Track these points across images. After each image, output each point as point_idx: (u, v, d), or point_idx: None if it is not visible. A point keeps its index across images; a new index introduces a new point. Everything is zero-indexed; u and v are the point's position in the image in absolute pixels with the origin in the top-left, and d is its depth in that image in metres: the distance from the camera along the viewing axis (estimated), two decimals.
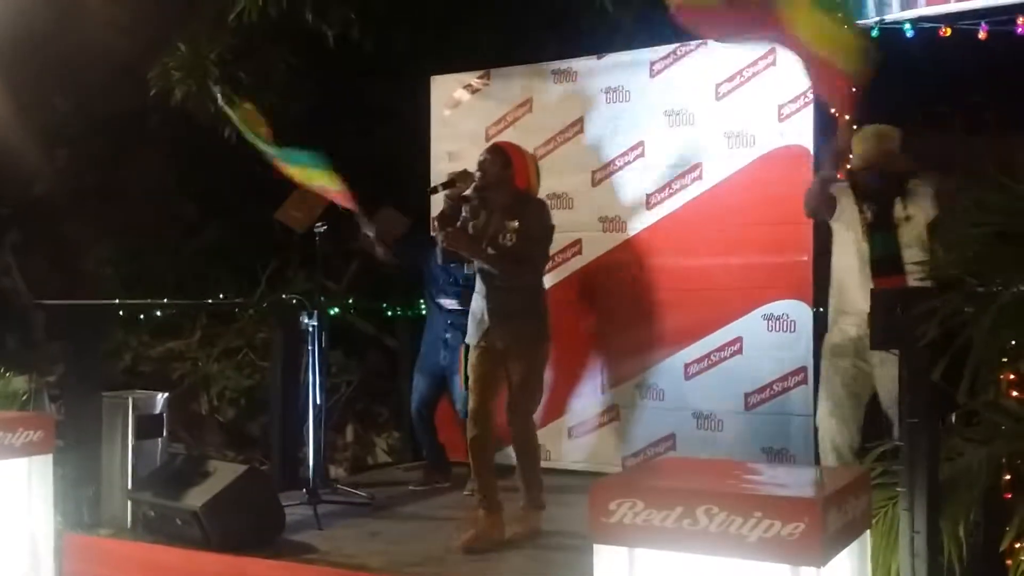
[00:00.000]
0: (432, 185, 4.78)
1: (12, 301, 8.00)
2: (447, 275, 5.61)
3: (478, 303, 4.64)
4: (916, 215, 4.43)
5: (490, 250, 4.55)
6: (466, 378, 5.18)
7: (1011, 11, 5.01)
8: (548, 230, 4.66)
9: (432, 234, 5.39)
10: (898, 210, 4.49)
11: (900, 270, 4.34)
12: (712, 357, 5.73)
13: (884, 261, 4.45)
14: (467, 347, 5.21)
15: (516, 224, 4.53)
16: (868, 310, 3.99)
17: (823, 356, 4.73)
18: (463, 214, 4.71)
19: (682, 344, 5.81)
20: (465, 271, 5.11)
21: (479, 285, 4.65)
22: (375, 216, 5.85)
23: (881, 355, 4.20)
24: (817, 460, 5.14)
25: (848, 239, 4.60)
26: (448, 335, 5.65)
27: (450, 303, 5.65)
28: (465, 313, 4.96)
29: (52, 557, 4.13)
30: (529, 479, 4.66)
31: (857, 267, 4.52)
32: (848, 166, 4.68)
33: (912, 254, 4.35)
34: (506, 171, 4.59)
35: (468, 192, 4.67)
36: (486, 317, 4.58)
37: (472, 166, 5.91)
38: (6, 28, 7.09)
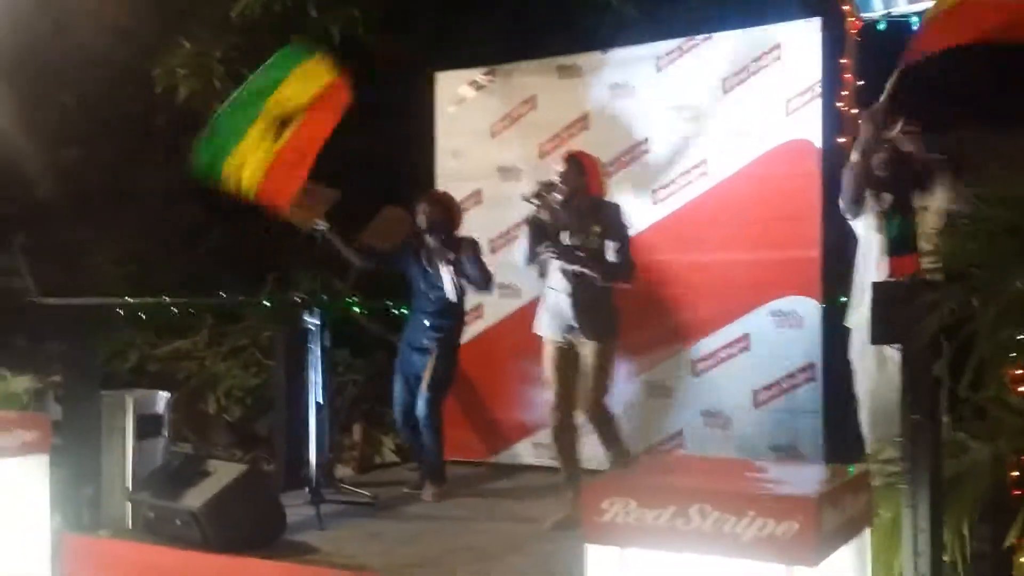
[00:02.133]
0: (527, 196, 4.88)
1: (19, 301, 7.99)
2: (427, 282, 5.55)
3: (559, 299, 4.86)
4: (931, 206, 4.38)
5: (580, 254, 4.80)
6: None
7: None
8: (627, 228, 4.95)
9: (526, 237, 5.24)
10: (915, 199, 4.45)
11: (915, 251, 4.35)
12: (720, 354, 5.68)
13: (900, 243, 4.45)
14: (440, 356, 5.42)
15: (598, 228, 4.82)
16: None
17: (854, 356, 4.67)
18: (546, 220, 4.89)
19: (690, 341, 5.76)
20: (443, 275, 5.38)
21: (559, 282, 4.86)
22: (378, 217, 5.80)
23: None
24: (827, 459, 5.11)
25: (865, 232, 4.58)
26: (426, 341, 5.55)
27: (430, 307, 5.56)
28: (443, 316, 5.39)
29: (49, 558, 4.11)
30: (618, 454, 4.92)
31: (875, 258, 4.47)
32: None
33: (925, 245, 4.30)
34: (582, 179, 4.88)
35: (558, 202, 4.84)
36: (570, 312, 4.82)
37: (476, 164, 5.96)
38: (10, 32, 7.11)
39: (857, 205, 4.64)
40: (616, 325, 4.95)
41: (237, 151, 5.03)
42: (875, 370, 4.58)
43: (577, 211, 4.87)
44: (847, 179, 4.61)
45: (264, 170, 5.06)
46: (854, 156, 4.57)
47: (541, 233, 4.85)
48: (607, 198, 5.03)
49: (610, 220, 4.86)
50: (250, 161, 5.04)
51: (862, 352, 4.67)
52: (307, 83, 5.09)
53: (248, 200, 5.14)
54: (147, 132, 7.87)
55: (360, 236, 5.62)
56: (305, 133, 5.12)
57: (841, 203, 4.68)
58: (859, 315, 4.59)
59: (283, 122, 5.11)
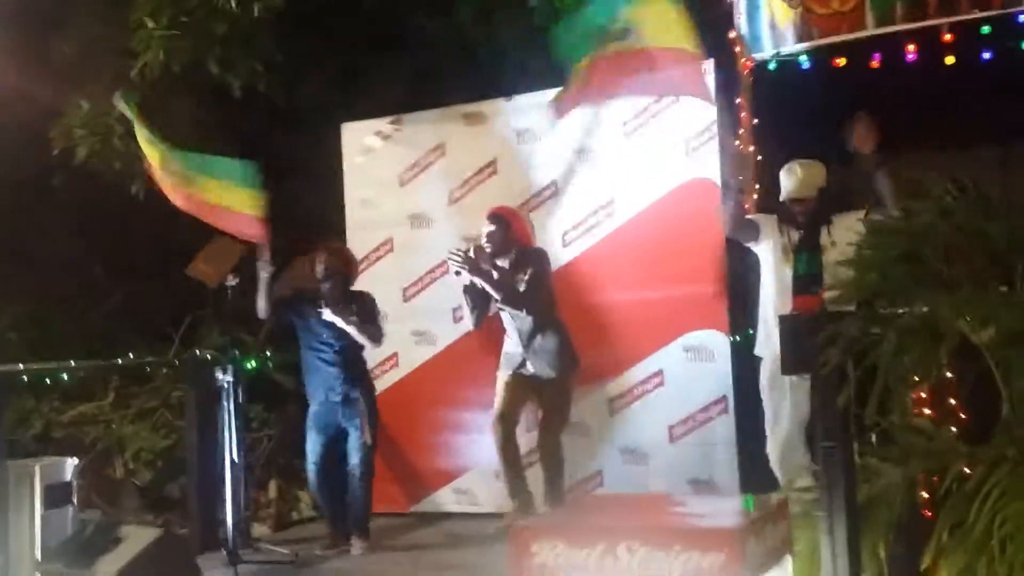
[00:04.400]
0: (455, 270, 5.24)
1: None
2: (328, 329, 5.48)
3: (512, 346, 5.40)
4: (839, 242, 4.54)
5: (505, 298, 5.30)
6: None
7: (901, 39, 5.18)
8: (548, 270, 5.45)
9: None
10: (823, 236, 4.61)
11: (820, 288, 4.43)
12: (635, 391, 5.76)
13: (806, 279, 4.56)
14: (368, 401, 5.52)
15: (524, 276, 5.28)
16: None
17: (763, 387, 4.81)
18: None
19: (606, 379, 5.82)
20: (344, 324, 5.41)
21: (511, 331, 5.39)
22: (208, 246, 5.72)
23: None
24: (743, 488, 5.20)
25: (768, 264, 4.70)
26: (344, 388, 5.48)
27: (337, 357, 5.50)
28: (354, 363, 5.53)
29: None
30: (555, 490, 5.29)
31: (782, 292, 4.60)
32: (780, 198, 4.80)
33: (829, 279, 4.44)
34: (508, 233, 5.36)
35: (485, 266, 5.28)
36: (521, 355, 5.35)
37: (386, 212, 6.01)
38: None
39: (736, 236, 4.88)
40: (570, 357, 5.39)
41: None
42: (779, 401, 4.72)
43: (507, 265, 5.34)
44: (727, 211, 4.83)
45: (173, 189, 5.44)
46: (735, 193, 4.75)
47: (478, 296, 5.31)
48: (535, 244, 5.52)
49: (531, 264, 5.32)
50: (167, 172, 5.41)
51: (770, 383, 4.82)
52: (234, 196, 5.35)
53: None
54: (44, 192, 7.67)
55: (191, 265, 5.57)
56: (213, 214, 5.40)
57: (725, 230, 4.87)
58: (767, 347, 4.74)
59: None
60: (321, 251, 5.60)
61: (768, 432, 4.88)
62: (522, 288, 5.28)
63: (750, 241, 4.88)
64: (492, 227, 5.37)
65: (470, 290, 5.34)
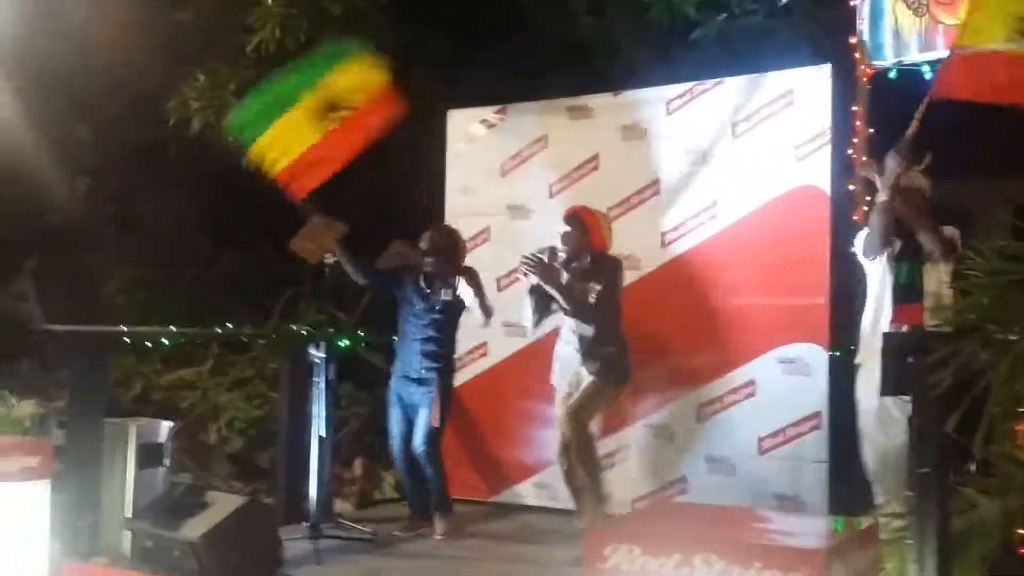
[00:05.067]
0: (524, 272, 5.09)
1: (28, 327, 8.01)
2: (424, 301, 5.52)
3: (564, 349, 5.19)
4: (937, 263, 4.36)
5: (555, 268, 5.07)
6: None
7: None
8: (620, 285, 5.21)
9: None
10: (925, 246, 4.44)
11: (920, 299, 4.30)
12: (726, 399, 5.65)
13: (907, 289, 4.39)
14: (442, 384, 5.49)
15: (597, 286, 5.04)
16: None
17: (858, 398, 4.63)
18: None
19: (696, 385, 5.73)
20: (442, 296, 5.38)
21: (570, 337, 5.16)
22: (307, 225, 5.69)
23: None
24: (831, 509, 5.05)
25: (878, 275, 4.53)
26: (422, 369, 5.50)
27: (425, 332, 5.53)
28: (439, 344, 5.46)
29: None
30: (587, 477, 5.06)
31: (884, 301, 4.44)
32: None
33: (929, 296, 4.28)
34: (586, 237, 5.11)
35: (559, 266, 5.09)
36: (576, 361, 5.11)
37: (486, 201, 5.96)
38: (29, 62, 7.18)
39: (886, 246, 4.52)
40: (622, 373, 5.16)
41: (274, 127, 5.14)
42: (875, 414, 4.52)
43: (579, 271, 5.11)
44: (876, 220, 4.45)
45: (297, 153, 5.17)
46: (882, 196, 4.40)
47: (543, 300, 5.12)
48: (610, 251, 5.23)
49: (608, 277, 5.09)
50: (284, 139, 5.14)
51: (865, 390, 4.60)
52: (359, 79, 5.17)
53: (267, 175, 5.26)
54: (159, 163, 7.91)
55: (293, 241, 5.56)
56: (346, 131, 5.19)
57: (864, 245, 4.54)
58: (866, 355, 4.55)
59: (329, 110, 5.17)
60: (429, 228, 5.63)
61: (864, 442, 4.67)
62: (592, 299, 5.05)
63: (874, 255, 4.63)
64: (568, 229, 5.13)
65: (536, 291, 5.14)
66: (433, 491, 5.56)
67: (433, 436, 5.46)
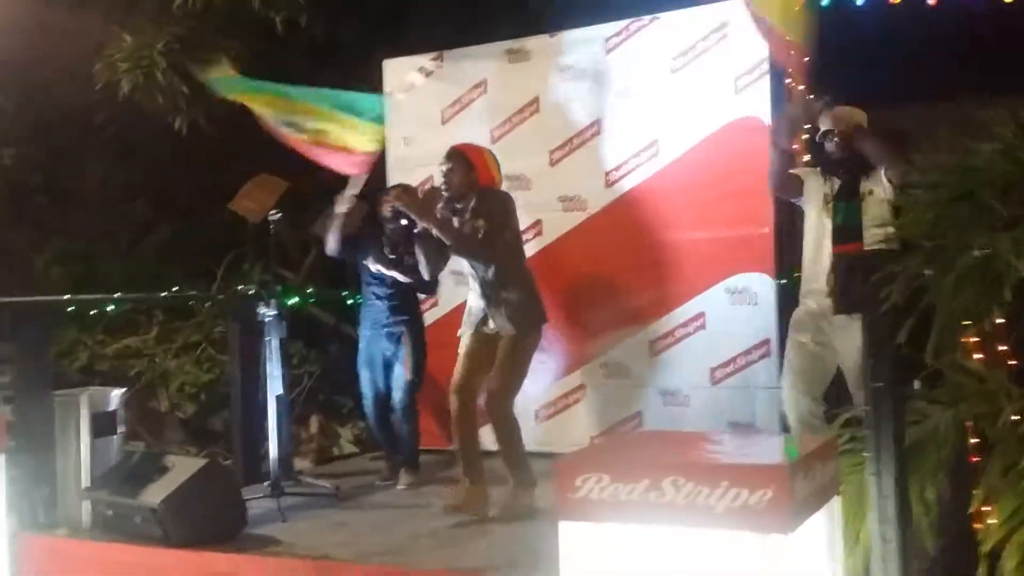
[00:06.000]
0: (389, 211, 5.06)
1: None
2: (390, 267, 5.50)
3: (474, 300, 4.83)
4: (876, 191, 4.43)
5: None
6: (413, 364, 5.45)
7: None
8: (509, 217, 4.80)
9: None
10: (862, 185, 4.49)
11: (860, 238, 4.34)
12: (677, 333, 5.71)
13: (845, 229, 4.44)
14: (413, 337, 5.46)
15: (482, 222, 4.67)
16: (825, 285, 4.05)
17: (789, 332, 4.74)
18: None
19: (646, 321, 5.78)
20: (405, 262, 5.33)
21: (472, 284, 4.82)
22: (250, 182, 5.70)
23: (842, 327, 4.21)
24: (784, 432, 5.14)
25: (812, 216, 4.62)
26: (390, 322, 5.52)
27: (390, 291, 5.52)
28: (404, 298, 5.41)
29: (7, 558, 4.01)
30: (511, 459, 4.73)
31: (815, 243, 4.52)
32: (814, 136, 4.67)
33: (870, 231, 4.35)
34: (470, 175, 4.76)
35: (441, 206, 4.77)
36: (482, 309, 4.76)
37: (427, 151, 5.88)
38: None
39: (782, 191, 4.75)
40: (536, 315, 4.82)
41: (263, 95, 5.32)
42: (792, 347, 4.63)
43: (464, 207, 4.75)
44: (773, 165, 4.67)
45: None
46: (778, 141, 4.62)
47: (432, 244, 4.80)
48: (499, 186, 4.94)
49: (492, 211, 4.72)
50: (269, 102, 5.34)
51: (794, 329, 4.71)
52: (355, 134, 5.29)
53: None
54: (88, 129, 7.70)
55: (234, 200, 5.53)
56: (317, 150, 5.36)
57: (769, 185, 4.76)
58: (804, 291, 4.64)
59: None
60: (387, 192, 5.57)
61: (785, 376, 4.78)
62: (481, 235, 4.66)
63: (793, 197, 4.75)
64: (449, 165, 4.77)
65: (422, 237, 4.81)
66: (404, 445, 5.59)
67: (410, 390, 5.48)
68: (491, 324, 4.74)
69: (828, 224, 4.50)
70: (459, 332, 4.92)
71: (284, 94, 5.43)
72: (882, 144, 4.35)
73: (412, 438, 5.58)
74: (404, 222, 5.09)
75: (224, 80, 5.62)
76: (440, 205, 4.76)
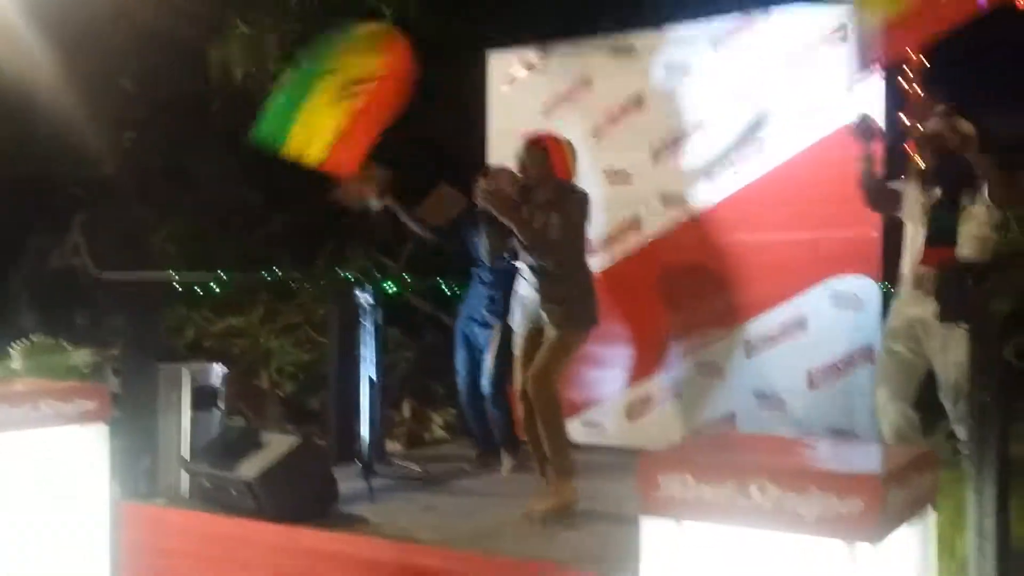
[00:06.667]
0: (479, 201, 4.79)
1: (80, 278, 8.16)
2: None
3: (526, 290, 4.70)
4: (975, 209, 4.28)
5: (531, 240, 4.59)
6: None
7: None
8: (585, 219, 4.67)
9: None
10: (962, 197, 4.36)
11: (953, 244, 4.25)
12: (776, 334, 5.59)
13: (939, 235, 4.34)
14: (504, 328, 5.33)
15: (556, 218, 4.54)
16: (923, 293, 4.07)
17: (882, 341, 4.63)
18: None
19: (744, 320, 5.67)
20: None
21: (529, 276, 4.69)
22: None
23: (938, 335, 4.09)
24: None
25: (910, 227, 4.52)
26: (485, 311, 5.53)
27: (491, 278, 5.51)
28: (503, 290, 5.23)
29: (108, 526, 4.17)
30: (552, 443, 4.56)
31: (913, 253, 4.43)
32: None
33: (964, 247, 4.24)
34: (545, 166, 4.63)
35: (512, 193, 4.68)
36: (536, 306, 4.62)
37: None
38: (72, 15, 7.20)
39: (876, 205, 4.66)
40: (587, 316, 4.67)
41: (303, 118, 5.03)
42: (886, 356, 4.51)
43: (539, 200, 4.62)
44: (865, 180, 4.59)
45: (335, 136, 5.05)
46: (864, 164, 4.53)
47: (497, 231, 4.71)
48: (577, 182, 4.75)
49: (572, 210, 4.59)
50: (318, 127, 5.02)
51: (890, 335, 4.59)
52: (373, 50, 5.09)
53: (312, 167, 5.12)
54: (204, 115, 7.96)
55: (333, 191, 5.51)
56: (375, 101, 5.10)
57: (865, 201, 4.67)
58: (902, 301, 4.52)
59: (352, 88, 5.09)
60: (488, 171, 5.51)
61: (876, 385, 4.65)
62: (553, 234, 4.55)
63: (891, 211, 4.63)
64: (527, 155, 4.66)
65: (492, 222, 4.69)
66: (498, 430, 5.60)
67: (497, 378, 5.49)
68: (544, 319, 4.61)
69: (923, 232, 4.40)
70: (512, 323, 4.83)
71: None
72: (989, 162, 4.20)
73: (503, 424, 5.57)
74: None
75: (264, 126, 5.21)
76: (512, 192, 4.67)
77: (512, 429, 5.56)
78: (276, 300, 7.67)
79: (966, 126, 4.34)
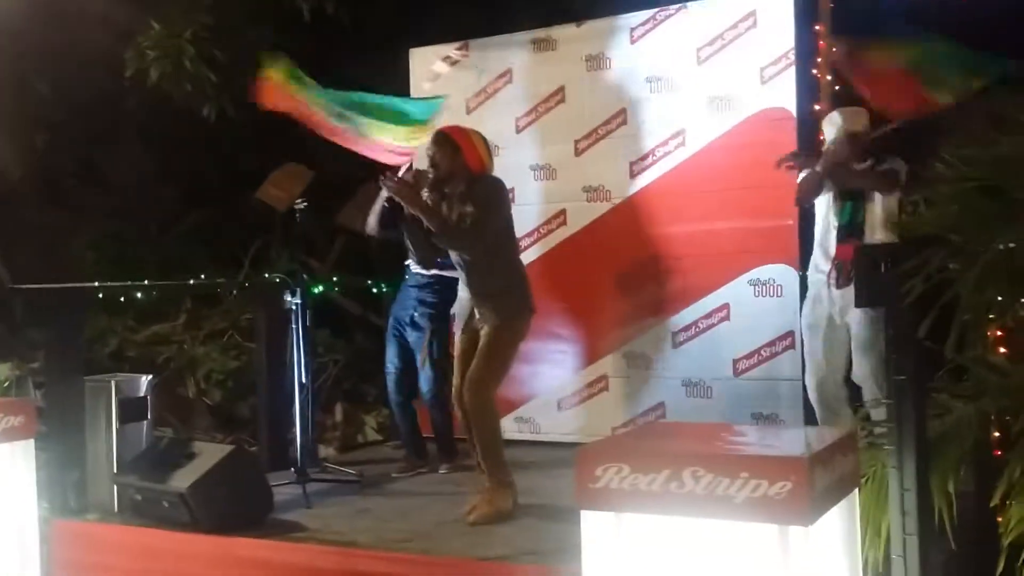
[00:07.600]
0: (386, 196, 4.85)
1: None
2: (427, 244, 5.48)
3: (463, 291, 4.65)
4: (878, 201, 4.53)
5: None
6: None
7: None
8: (499, 204, 4.58)
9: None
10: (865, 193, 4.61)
11: (861, 237, 4.54)
12: (700, 324, 5.71)
13: (848, 228, 4.60)
14: (434, 331, 5.40)
15: (471, 208, 4.46)
16: (826, 272, 4.48)
17: (802, 320, 4.83)
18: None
19: (670, 312, 5.78)
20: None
21: (460, 275, 4.64)
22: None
23: (847, 304, 4.36)
24: (807, 424, 5.16)
25: (821, 207, 4.76)
26: (416, 312, 5.50)
27: (422, 280, 5.50)
28: (434, 292, 5.33)
29: (38, 544, 4.09)
30: (487, 454, 4.50)
31: (822, 233, 4.72)
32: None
33: (872, 231, 4.52)
34: (457, 159, 4.55)
35: (425, 191, 4.62)
36: (468, 301, 4.59)
37: None
38: None
39: (808, 202, 4.86)
40: (519, 307, 4.56)
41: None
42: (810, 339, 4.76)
43: (452, 194, 4.56)
44: (804, 184, 4.75)
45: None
46: (818, 167, 4.68)
47: (417, 231, 4.76)
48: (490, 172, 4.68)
49: (482, 197, 4.48)
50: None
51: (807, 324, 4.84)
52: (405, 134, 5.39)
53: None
54: (120, 114, 7.79)
55: (260, 189, 5.44)
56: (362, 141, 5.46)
57: (796, 196, 4.86)
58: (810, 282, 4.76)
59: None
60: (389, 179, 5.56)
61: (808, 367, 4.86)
62: (469, 222, 4.45)
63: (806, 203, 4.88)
64: (435, 148, 4.59)
65: (411, 223, 4.70)
66: (436, 433, 5.60)
67: (436, 380, 5.47)
68: (477, 316, 4.54)
69: (833, 219, 4.66)
70: (455, 328, 4.76)
71: (341, 96, 5.46)
72: (849, 176, 4.61)
73: (441, 426, 5.57)
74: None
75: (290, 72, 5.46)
76: (427, 190, 4.58)
77: (451, 432, 5.57)
78: (200, 306, 7.55)
79: (862, 114, 4.61)
